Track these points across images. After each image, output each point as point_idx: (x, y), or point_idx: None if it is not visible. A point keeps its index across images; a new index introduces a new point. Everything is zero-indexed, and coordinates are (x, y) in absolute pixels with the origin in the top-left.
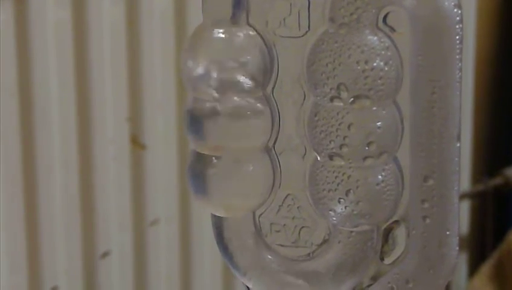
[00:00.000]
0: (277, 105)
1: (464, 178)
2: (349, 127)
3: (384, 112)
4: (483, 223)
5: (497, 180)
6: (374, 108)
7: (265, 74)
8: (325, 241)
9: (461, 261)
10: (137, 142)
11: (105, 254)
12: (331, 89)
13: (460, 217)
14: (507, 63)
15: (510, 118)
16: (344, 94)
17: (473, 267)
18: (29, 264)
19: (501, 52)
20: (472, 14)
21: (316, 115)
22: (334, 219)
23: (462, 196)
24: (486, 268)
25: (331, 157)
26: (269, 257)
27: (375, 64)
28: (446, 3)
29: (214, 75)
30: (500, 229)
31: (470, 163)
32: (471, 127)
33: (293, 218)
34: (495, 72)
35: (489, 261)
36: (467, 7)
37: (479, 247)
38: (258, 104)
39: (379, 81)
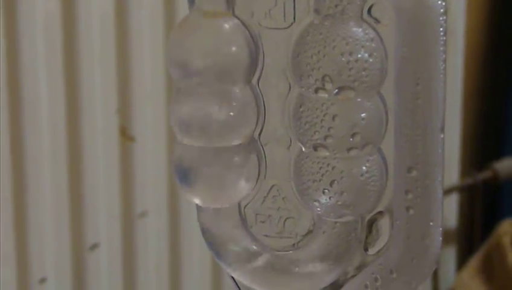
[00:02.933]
0: (262, 96)
1: (452, 171)
2: (333, 118)
3: (368, 103)
4: (472, 217)
5: (485, 174)
6: (359, 99)
7: (251, 65)
8: (309, 231)
9: (450, 255)
10: (126, 135)
11: (94, 246)
12: (315, 80)
13: (449, 211)
14: (497, 57)
15: (499, 112)
16: (329, 85)
17: (462, 261)
18: (17, 257)
19: (491, 45)
20: (462, 5)
21: (300, 106)
22: (319, 209)
23: (451, 190)
24: (474, 261)
25: (315, 148)
26: (254, 247)
27: (359, 55)
28: None
29: (200, 66)
30: (489, 223)
31: (458, 156)
32: (460, 121)
33: (278, 209)
34: (484, 66)
35: (478, 254)
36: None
37: (468, 240)
38: (244, 95)
39: (363, 72)
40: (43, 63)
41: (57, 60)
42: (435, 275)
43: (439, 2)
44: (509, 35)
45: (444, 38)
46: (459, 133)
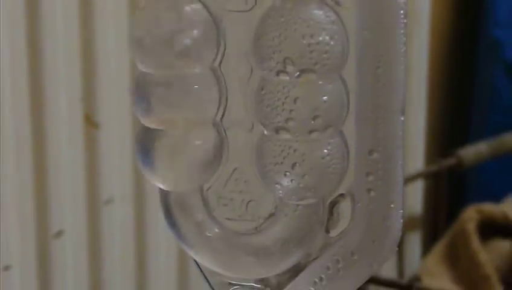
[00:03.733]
0: (224, 79)
1: (417, 158)
2: (295, 101)
3: (330, 86)
4: (437, 203)
5: (450, 161)
6: (320, 82)
7: (213, 48)
8: (271, 214)
9: (415, 240)
10: (90, 121)
11: (58, 233)
12: (277, 63)
13: (414, 197)
14: (461, 46)
15: (463, 100)
16: (290, 68)
17: (427, 246)
18: None
19: (455, 33)
20: None
21: (262, 89)
22: (281, 192)
23: (416, 176)
24: (439, 247)
25: (277, 131)
26: (216, 230)
27: (320, 38)
28: None
29: (161, 48)
30: (454, 209)
31: (423, 143)
32: (425, 108)
33: (240, 192)
34: (449, 55)
35: (442, 240)
36: None
37: (433, 226)
38: (206, 78)
39: (325, 55)
40: (6, 49)
41: (20, 46)
42: (400, 261)
43: None
44: (473, 19)
45: (405, 21)
46: (424, 120)
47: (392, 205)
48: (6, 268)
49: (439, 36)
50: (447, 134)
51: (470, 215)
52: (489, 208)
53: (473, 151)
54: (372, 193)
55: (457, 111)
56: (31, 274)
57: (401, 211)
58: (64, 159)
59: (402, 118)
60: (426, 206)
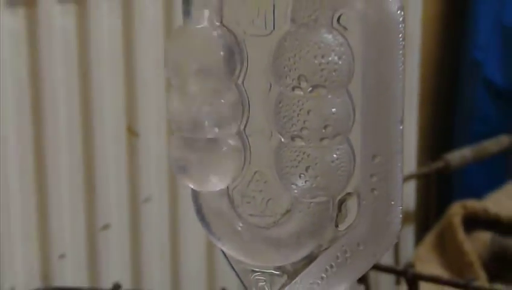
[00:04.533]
0: (247, 94)
1: (410, 162)
2: (308, 112)
3: (338, 99)
4: (427, 200)
5: (439, 164)
6: (330, 96)
7: (238, 68)
8: (288, 211)
9: (409, 232)
10: (132, 131)
11: (105, 227)
12: (292, 80)
13: (408, 195)
14: (447, 66)
15: (449, 111)
16: (304, 84)
17: (419, 237)
18: (40, 235)
19: (442, 55)
20: (418, 15)
21: (280, 103)
22: (296, 191)
23: (409, 177)
24: (429, 238)
25: (293, 138)
26: (240, 224)
27: (330, 58)
28: (391, 6)
29: (193, 68)
30: (442, 205)
31: (416, 149)
32: (417, 118)
33: (261, 191)
34: (437, 73)
35: (432, 232)
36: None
37: (424, 220)
38: (231, 93)
39: (334, 73)
40: (62, 73)
41: (73, 70)
42: (396, 250)
43: (399, 12)
44: (458, 42)
45: (403, 43)
46: (415, 129)
47: (392, 203)
48: (61, 256)
49: (429, 58)
50: (435, 141)
51: (456, 211)
52: (473, 204)
53: (458, 156)
54: (376, 192)
55: (444, 121)
56: (82, 262)
57: (401, 207)
58: (110, 163)
59: (401, 127)
60: (418, 203)
